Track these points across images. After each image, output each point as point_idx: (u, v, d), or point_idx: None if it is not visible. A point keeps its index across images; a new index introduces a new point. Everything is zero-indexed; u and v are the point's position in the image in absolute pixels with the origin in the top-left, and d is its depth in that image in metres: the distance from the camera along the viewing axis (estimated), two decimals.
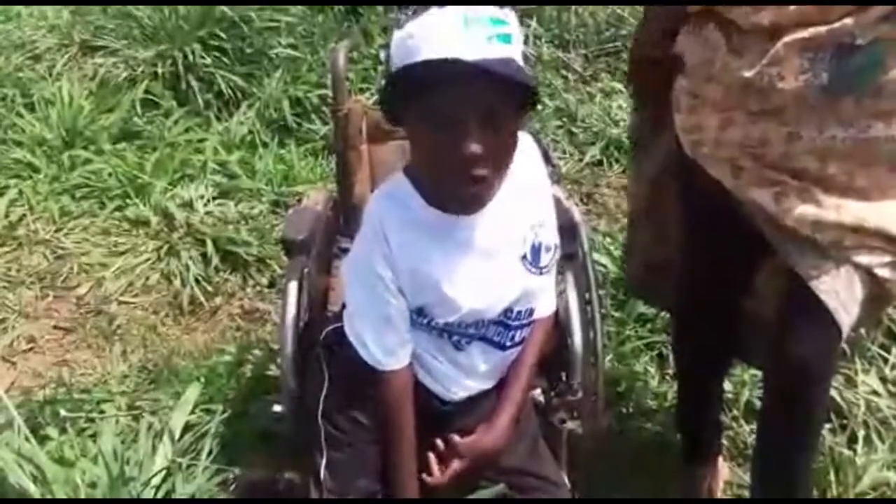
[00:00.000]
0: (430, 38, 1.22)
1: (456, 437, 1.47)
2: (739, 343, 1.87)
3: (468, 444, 1.46)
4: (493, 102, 1.24)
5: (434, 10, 1.24)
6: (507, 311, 1.45)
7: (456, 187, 1.30)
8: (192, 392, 2.12)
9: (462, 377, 1.49)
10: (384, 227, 1.37)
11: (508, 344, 1.48)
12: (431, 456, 1.47)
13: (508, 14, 1.27)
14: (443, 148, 1.26)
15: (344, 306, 1.51)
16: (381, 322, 1.41)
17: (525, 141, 1.42)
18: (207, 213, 2.86)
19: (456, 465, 1.46)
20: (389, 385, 1.42)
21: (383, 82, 1.36)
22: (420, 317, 1.42)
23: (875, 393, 2.15)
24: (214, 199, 2.93)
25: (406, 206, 1.38)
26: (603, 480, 1.90)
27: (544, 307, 1.53)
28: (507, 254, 1.42)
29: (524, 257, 1.43)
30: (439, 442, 1.48)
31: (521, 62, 1.27)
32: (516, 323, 1.47)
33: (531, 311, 1.48)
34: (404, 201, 1.39)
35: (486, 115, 1.24)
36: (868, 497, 1.98)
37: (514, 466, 1.51)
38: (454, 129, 1.23)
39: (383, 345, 1.41)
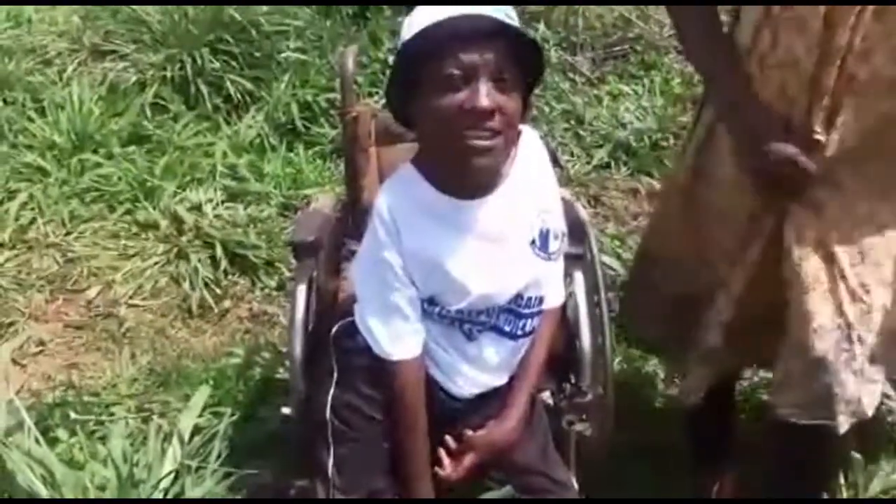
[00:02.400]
0: (436, 10, 1.29)
1: (468, 432, 1.48)
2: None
3: (480, 438, 1.47)
4: (503, 60, 1.29)
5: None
6: (518, 298, 1.46)
7: (463, 149, 1.31)
8: (201, 395, 2.13)
9: (471, 370, 1.49)
10: (394, 215, 1.39)
11: (519, 333, 1.48)
12: (442, 451, 1.48)
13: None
14: (455, 105, 1.28)
15: (355, 301, 1.51)
16: (390, 310, 1.41)
17: (529, 135, 1.46)
18: (216, 216, 2.87)
19: (469, 458, 1.46)
20: (399, 375, 1.43)
21: (390, 70, 1.42)
22: (431, 306, 1.43)
23: (886, 396, 2.13)
24: (223, 202, 2.94)
25: (414, 193, 1.40)
26: (611, 482, 1.90)
27: (553, 297, 1.54)
28: (516, 238, 1.44)
29: (533, 242, 1.45)
30: (449, 438, 1.48)
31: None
32: (527, 311, 1.47)
33: (541, 300, 1.49)
34: (413, 188, 1.41)
35: (497, 73, 1.28)
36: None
37: (525, 465, 1.52)
38: (465, 83, 1.27)
39: (392, 333, 1.42)
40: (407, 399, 1.43)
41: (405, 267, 1.40)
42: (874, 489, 1.96)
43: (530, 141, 1.47)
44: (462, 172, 1.36)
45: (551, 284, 1.53)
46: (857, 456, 2.02)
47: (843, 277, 1.48)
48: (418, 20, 1.31)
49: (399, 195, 1.41)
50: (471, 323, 1.45)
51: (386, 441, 1.46)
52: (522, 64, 1.33)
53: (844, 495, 1.96)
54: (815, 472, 1.70)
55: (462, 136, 1.29)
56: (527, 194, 1.44)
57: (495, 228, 1.41)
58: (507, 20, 1.31)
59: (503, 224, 1.42)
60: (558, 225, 1.49)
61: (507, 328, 1.48)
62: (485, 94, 1.27)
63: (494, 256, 1.42)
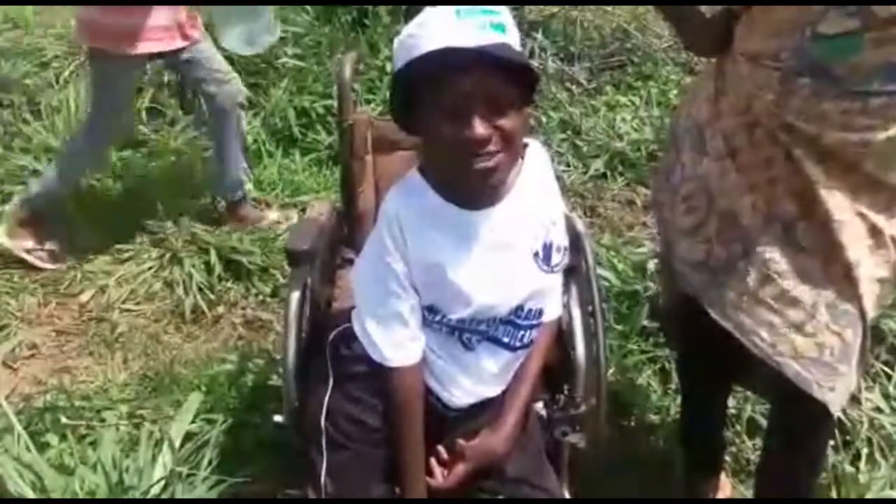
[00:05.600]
0: (426, 34, 1.27)
1: (461, 441, 1.47)
2: (741, 367, 1.86)
3: (473, 447, 1.47)
4: (494, 86, 1.27)
5: (427, 9, 1.30)
6: (518, 310, 1.46)
7: (468, 172, 1.31)
8: (193, 401, 2.12)
9: (467, 380, 1.48)
10: (400, 222, 1.39)
11: (517, 345, 1.48)
12: (434, 461, 1.47)
13: (500, 8, 1.31)
14: (453, 136, 1.28)
15: (351, 308, 1.51)
16: (391, 316, 1.41)
17: (535, 148, 1.46)
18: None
19: (461, 467, 1.46)
20: (398, 382, 1.42)
21: (390, 88, 1.40)
22: (431, 314, 1.43)
23: (879, 410, 2.13)
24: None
25: (421, 201, 1.40)
26: (604, 494, 1.89)
27: (552, 309, 1.54)
28: (520, 250, 1.44)
29: (536, 255, 1.45)
30: (441, 448, 1.48)
31: (516, 48, 1.31)
32: (526, 322, 1.47)
33: (541, 312, 1.49)
34: (419, 196, 1.40)
35: (489, 99, 1.27)
36: None
37: (518, 476, 1.51)
38: (460, 115, 1.27)
39: (392, 340, 1.41)
40: (405, 406, 1.42)
41: (409, 274, 1.40)
42: None
43: (536, 153, 1.47)
44: (469, 188, 1.37)
45: (551, 297, 1.53)
46: (850, 469, 2.03)
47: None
48: (405, 49, 1.30)
49: (406, 202, 1.41)
50: (470, 332, 1.45)
51: (381, 449, 1.46)
52: (514, 80, 1.30)
53: None
54: (811, 447, 1.69)
55: (466, 164, 1.30)
56: (532, 206, 1.44)
57: (500, 238, 1.41)
58: (492, 35, 1.27)
59: (508, 234, 1.42)
60: (561, 239, 1.49)
61: (505, 339, 1.47)
62: (479, 124, 1.27)
63: (498, 267, 1.42)
